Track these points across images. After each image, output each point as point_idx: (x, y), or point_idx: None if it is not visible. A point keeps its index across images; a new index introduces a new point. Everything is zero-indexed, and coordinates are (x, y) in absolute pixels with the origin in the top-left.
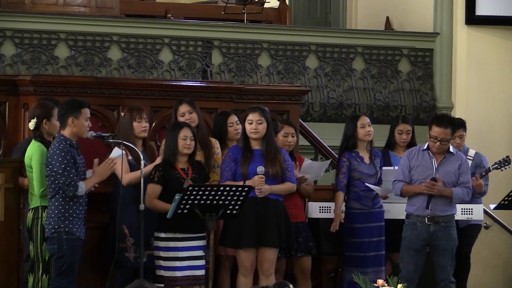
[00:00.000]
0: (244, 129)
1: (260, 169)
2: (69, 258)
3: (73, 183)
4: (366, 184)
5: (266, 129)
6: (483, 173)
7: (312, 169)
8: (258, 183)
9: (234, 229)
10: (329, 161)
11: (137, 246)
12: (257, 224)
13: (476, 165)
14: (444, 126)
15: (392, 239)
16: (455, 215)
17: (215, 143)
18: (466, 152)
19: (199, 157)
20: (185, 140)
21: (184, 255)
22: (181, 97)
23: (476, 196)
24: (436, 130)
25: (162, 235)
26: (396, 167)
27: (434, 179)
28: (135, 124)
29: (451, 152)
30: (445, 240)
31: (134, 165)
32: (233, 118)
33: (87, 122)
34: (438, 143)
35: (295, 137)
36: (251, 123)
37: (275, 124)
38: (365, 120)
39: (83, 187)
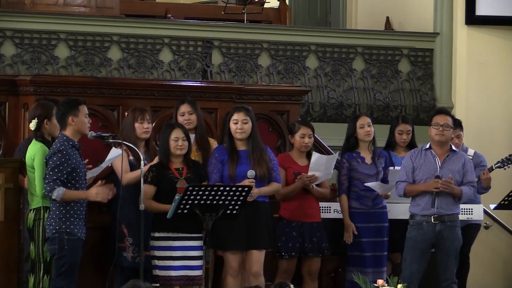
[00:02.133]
0: (229, 129)
1: (251, 173)
2: (70, 258)
3: (51, 183)
4: (365, 184)
5: (251, 129)
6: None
7: (321, 165)
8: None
9: (223, 231)
10: (337, 154)
11: (135, 246)
12: (246, 226)
13: (476, 164)
14: (445, 113)
15: (392, 239)
16: (458, 215)
17: (213, 143)
18: (465, 151)
19: (197, 158)
20: (176, 142)
21: (179, 255)
22: (183, 97)
23: (481, 191)
24: (438, 117)
25: (157, 234)
26: (398, 168)
27: (438, 177)
28: (136, 125)
29: (453, 150)
30: (451, 240)
31: (135, 165)
32: None
33: (86, 119)
34: (440, 128)
35: (312, 138)
36: (236, 123)
37: (292, 124)
38: (364, 120)
39: (59, 193)
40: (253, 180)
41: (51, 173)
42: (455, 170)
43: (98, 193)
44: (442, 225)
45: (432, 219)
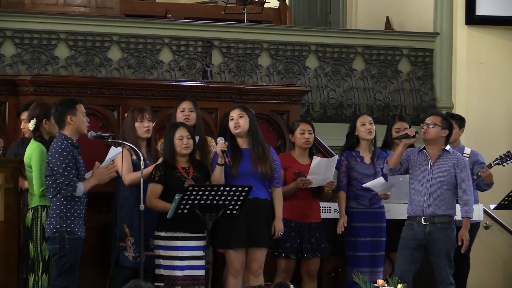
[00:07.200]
0: (229, 128)
1: (220, 139)
2: (71, 257)
3: (72, 183)
4: (364, 185)
5: (249, 124)
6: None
7: (321, 168)
8: (220, 148)
9: (225, 230)
10: (336, 157)
11: (137, 246)
12: (248, 224)
13: (473, 163)
14: (432, 113)
15: (391, 239)
16: (454, 217)
17: (211, 141)
18: (461, 150)
19: (196, 156)
20: (181, 140)
21: (184, 255)
22: (183, 97)
23: (484, 188)
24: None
25: (163, 234)
26: None
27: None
28: (137, 124)
29: (446, 150)
30: (441, 241)
31: (138, 165)
32: None
33: (84, 118)
34: (425, 126)
35: (312, 135)
36: (232, 119)
37: (291, 124)
38: (365, 118)
39: (81, 188)
40: (223, 145)
41: (65, 173)
42: (444, 169)
43: (102, 172)
44: (432, 226)
45: (423, 220)
